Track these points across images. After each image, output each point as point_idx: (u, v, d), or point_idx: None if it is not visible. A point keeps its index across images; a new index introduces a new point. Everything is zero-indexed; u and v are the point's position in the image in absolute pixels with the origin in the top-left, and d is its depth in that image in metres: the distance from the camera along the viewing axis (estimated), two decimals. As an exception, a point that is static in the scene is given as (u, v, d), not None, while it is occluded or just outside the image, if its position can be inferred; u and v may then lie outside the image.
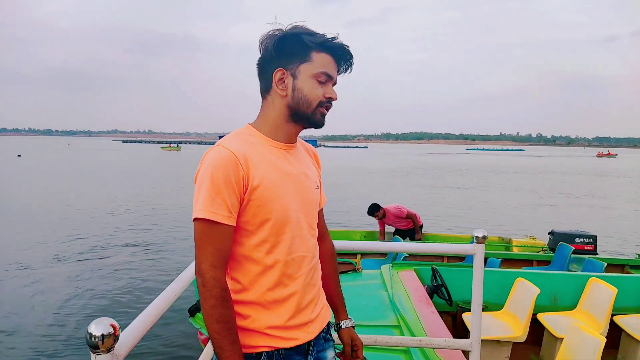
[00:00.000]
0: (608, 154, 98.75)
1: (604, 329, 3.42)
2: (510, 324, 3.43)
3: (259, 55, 1.35)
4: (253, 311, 1.30)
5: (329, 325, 1.49)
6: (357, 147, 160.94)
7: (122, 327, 1.20)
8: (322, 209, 1.58)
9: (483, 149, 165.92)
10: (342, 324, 1.59)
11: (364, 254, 6.02)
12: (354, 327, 1.61)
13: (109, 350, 1.06)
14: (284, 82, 1.31)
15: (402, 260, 4.57)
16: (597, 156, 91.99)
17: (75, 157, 50.13)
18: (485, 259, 5.58)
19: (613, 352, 3.74)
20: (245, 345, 1.29)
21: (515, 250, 6.64)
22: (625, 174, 38.47)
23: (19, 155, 48.53)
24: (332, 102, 1.37)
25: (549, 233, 6.61)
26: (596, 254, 6.08)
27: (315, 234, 1.44)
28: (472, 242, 2.00)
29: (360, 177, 28.20)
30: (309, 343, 1.37)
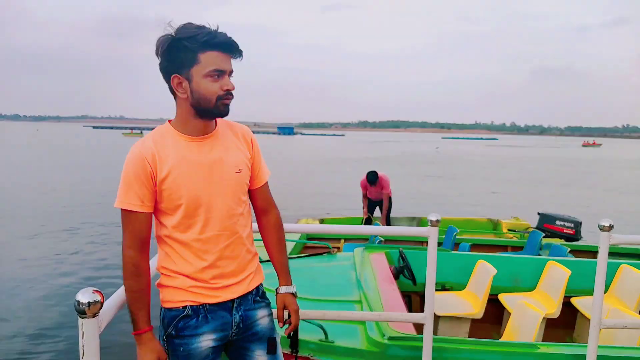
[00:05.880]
0: (593, 143, 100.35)
1: (557, 307, 3.62)
2: (470, 302, 3.63)
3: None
4: (180, 276, 1.53)
5: (258, 288, 1.68)
6: (334, 135, 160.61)
7: (107, 296, 1.36)
8: (266, 184, 1.71)
9: (458, 138, 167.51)
10: (280, 289, 1.74)
11: (347, 239, 6.25)
12: (292, 293, 1.74)
13: (94, 316, 1.20)
14: (182, 85, 1.44)
15: (377, 243, 4.75)
16: (582, 146, 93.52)
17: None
18: (458, 244, 5.84)
19: (569, 331, 3.93)
20: (173, 301, 1.53)
21: (503, 230, 6.99)
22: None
23: None
24: (233, 92, 1.47)
25: (538, 213, 6.90)
26: (577, 239, 6.26)
27: (236, 214, 1.57)
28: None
29: (336, 166, 28.38)
30: (233, 301, 1.58)
